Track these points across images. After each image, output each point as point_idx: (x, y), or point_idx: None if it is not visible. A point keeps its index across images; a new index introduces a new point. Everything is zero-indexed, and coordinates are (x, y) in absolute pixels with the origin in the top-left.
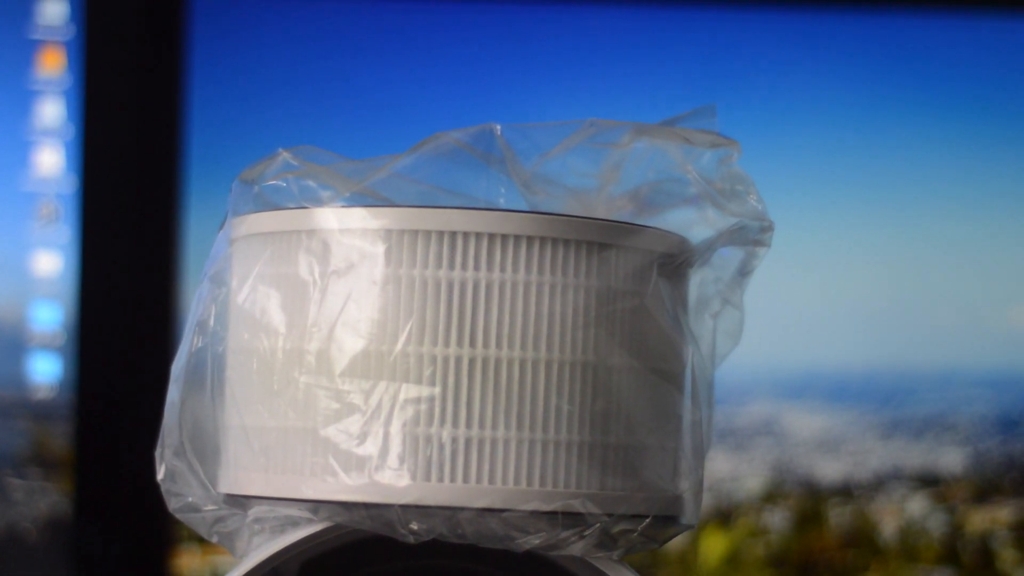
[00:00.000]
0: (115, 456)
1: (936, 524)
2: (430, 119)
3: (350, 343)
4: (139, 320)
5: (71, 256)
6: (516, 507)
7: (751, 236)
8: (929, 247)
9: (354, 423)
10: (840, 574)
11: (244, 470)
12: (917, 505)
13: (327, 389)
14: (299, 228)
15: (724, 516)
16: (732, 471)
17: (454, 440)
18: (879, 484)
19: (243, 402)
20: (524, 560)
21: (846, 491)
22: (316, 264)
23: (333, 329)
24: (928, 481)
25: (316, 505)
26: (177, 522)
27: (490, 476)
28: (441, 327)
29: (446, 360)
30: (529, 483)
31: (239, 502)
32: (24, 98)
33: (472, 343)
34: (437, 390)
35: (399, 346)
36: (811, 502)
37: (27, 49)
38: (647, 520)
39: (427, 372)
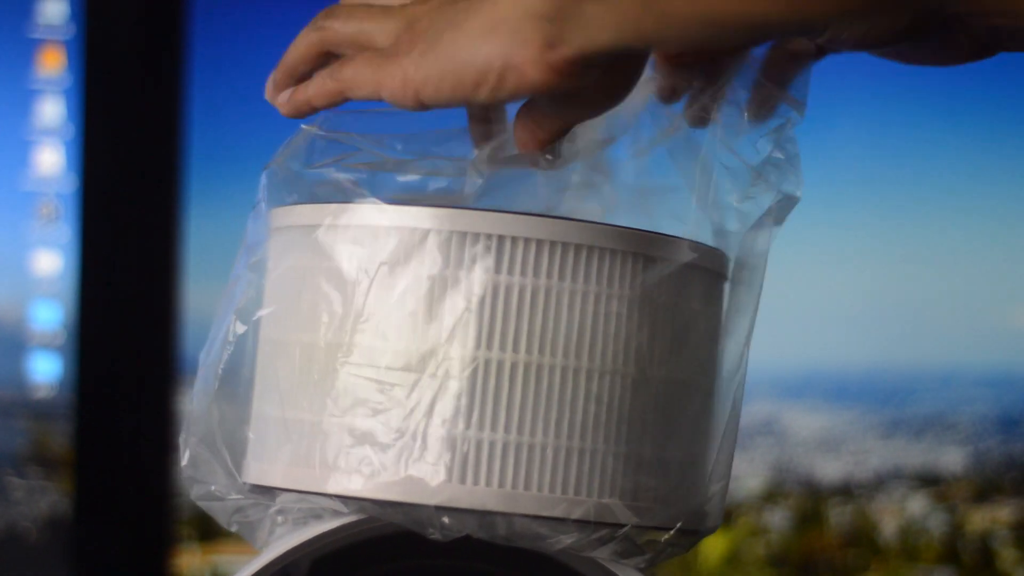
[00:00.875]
0: (115, 456)
1: (936, 524)
2: (431, 117)
3: (393, 340)
4: (139, 320)
5: (71, 256)
6: (547, 513)
7: (781, 214)
8: (929, 247)
9: (393, 419)
10: (840, 573)
11: (276, 462)
12: (917, 505)
13: (367, 383)
14: (346, 223)
15: (724, 516)
16: (732, 471)
17: (491, 443)
18: (879, 484)
19: (280, 393)
20: (536, 562)
21: (846, 491)
22: (362, 259)
23: (376, 325)
24: (928, 481)
25: (347, 499)
26: (177, 522)
27: (525, 481)
28: (485, 330)
29: (488, 363)
30: (564, 490)
31: (266, 493)
32: (24, 98)
33: (515, 348)
34: (478, 392)
35: (442, 346)
36: (811, 502)
37: (27, 48)
38: (674, 530)
39: (468, 373)
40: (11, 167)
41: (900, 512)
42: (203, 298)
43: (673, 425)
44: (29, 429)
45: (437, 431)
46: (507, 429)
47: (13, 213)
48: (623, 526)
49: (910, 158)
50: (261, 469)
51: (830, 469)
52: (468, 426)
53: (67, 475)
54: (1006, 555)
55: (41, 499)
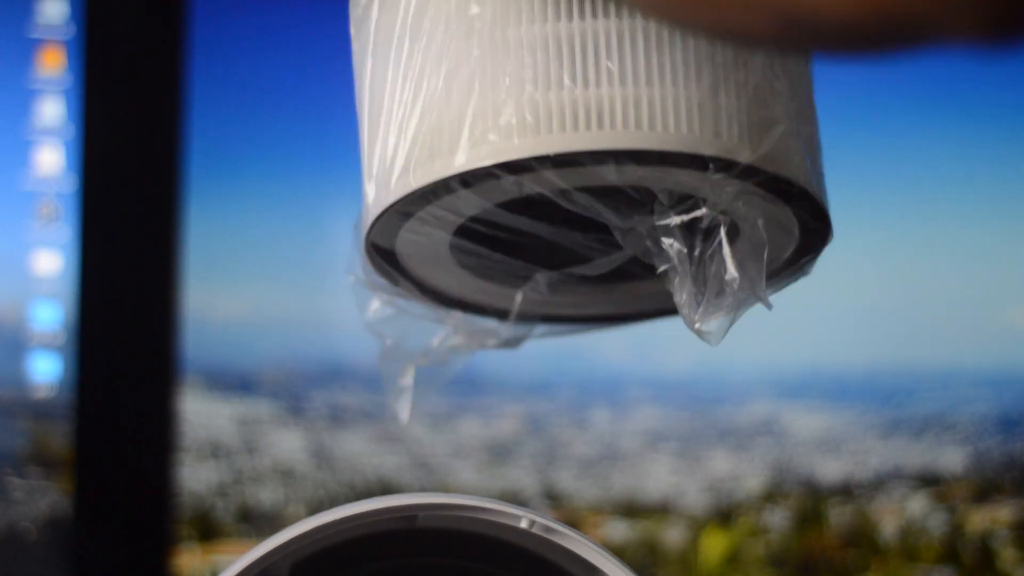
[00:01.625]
0: (115, 456)
1: (936, 524)
2: None
3: (513, 15)
4: (139, 320)
5: (71, 256)
6: (672, 148)
7: None
8: (929, 247)
9: (536, 83)
10: (840, 574)
11: (429, 160)
12: (917, 505)
13: (499, 55)
14: None
15: (724, 516)
16: (732, 471)
17: (611, 96)
18: (879, 484)
19: (405, 111)
20: (522, 560)
21: (846, 491)
22: None
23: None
24: (928, 481)
25: (459, 190)
26: (177, 522)
27: (649, 123)
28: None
29: (586, 32)
30: (690, 129)
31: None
32: (24, 98)
33: (607, 16)
34: (591, 53)
35: (548, 22)
36: (811, 502)
37: (27, 48)
38: (795, 198)
39: (566, 39)
40: (11, 167)
41: (900, 512)
42: (203, 298)
43: (786, 91)
44: (29, 429)
45: (557, 88)
46: (622, 83)
47: (13, 213)
48: (744, 168)
49: (910, 157)
50: (404, 180)
51: (830, 469)
52: (587, 86)
53: (67, 475)
54: (1006, 555)
55: (41, 499)
